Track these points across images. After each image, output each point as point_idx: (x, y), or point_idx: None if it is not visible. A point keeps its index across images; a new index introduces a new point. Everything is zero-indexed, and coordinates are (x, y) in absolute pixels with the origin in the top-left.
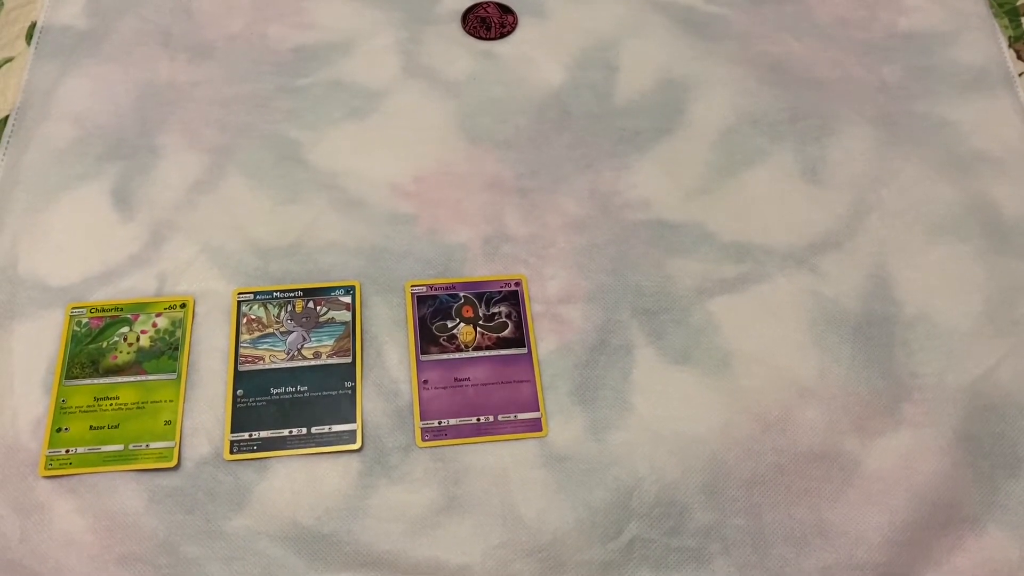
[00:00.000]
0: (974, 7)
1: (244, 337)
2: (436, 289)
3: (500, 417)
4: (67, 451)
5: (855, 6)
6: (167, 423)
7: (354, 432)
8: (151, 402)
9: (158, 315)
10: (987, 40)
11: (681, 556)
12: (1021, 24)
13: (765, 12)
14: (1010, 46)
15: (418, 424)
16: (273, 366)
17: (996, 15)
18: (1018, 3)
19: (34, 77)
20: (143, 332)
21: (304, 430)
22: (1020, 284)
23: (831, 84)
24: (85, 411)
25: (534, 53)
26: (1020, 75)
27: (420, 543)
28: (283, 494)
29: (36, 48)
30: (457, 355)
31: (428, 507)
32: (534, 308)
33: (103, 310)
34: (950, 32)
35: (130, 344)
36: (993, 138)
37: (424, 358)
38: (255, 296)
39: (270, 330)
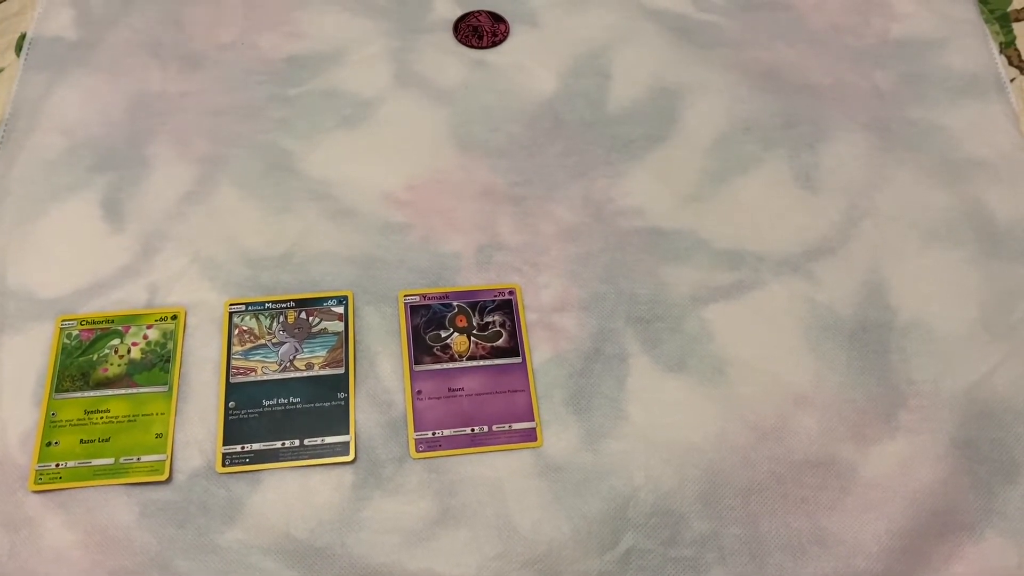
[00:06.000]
0: (966, 14)
1: (236, 348)
2: (429, 298)
3: (495, 427)
4: (57, 465)
5: (847, 13)
6: (158, 436)
7: (347, 444)
8: (142, 415)
9: (149, 327)
10: (979, 46)
11: (678, 566)
12: (1012, 30)
13: (757, 19)
14: (1001, 52)
15: (412, 435)
16: (265, 377)
17: (987, 21)
18: (1009, 9)
19: (24, 88)
20: (134, 344)
21: (297, 442)
22: (1015, 289)
23: (824, 90)
24: (75, 424)
25: (526, 61)
26: (1012, 80)
27: (415, 555)
28: (276, 507)
29: (26, 59)
30: (451, 365)
31: (423, 519)
32: (528, 317)
33: (94, 322)
34: (942, 38)
35: (121, 356)
36: (986, 143)
37: (417, 368)
38: (247, 307)
39: (262, 341)
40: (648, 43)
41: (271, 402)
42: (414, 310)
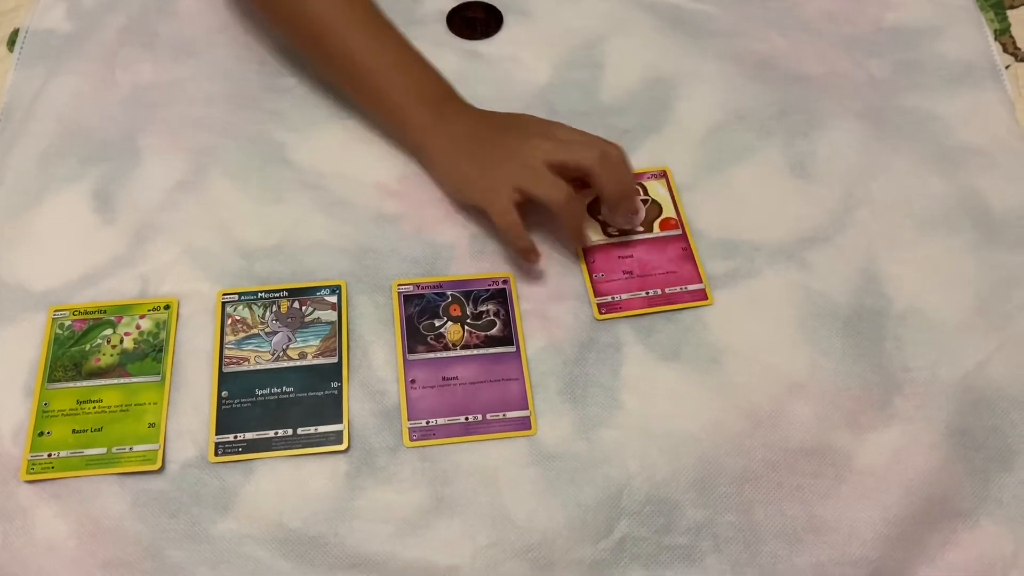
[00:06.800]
0: (960, 1)
1: (229, 338)
2: (423, 288)
3: (489, 416)
4: (49, 455)
5: (841, 1)
6: (151, 425)
7: (340, 433)
8: (135, 404)
9: (142, 317)
10: (973, 33)
11: (672, 554)
12: (1007, 17)
13: (751, 8)
14: (996, 39)
15: (405, 424)
16: (258, 367)
17: (982, 8)
18: None
19: (18, 79)
20: (127, 334)
21: (290, 431)
22: (1010, 277)
23: (818, 79)
24: (68, 414)
25: (520, 52)
26: (1007, 68)
27: (409, 544)
28: (269, 496)
29: (20, 51)
30: (444, 354)
31: (416, 508)
32: (522, 306)
33: (86, 312)
34: (937, 26)
35: (113, 346)
36: (981, 131)
37: (411, 357)
38: (240, 297)
39: (255, 331)
40: (641, 33)
41: (264, 391)
42: (408, 299)
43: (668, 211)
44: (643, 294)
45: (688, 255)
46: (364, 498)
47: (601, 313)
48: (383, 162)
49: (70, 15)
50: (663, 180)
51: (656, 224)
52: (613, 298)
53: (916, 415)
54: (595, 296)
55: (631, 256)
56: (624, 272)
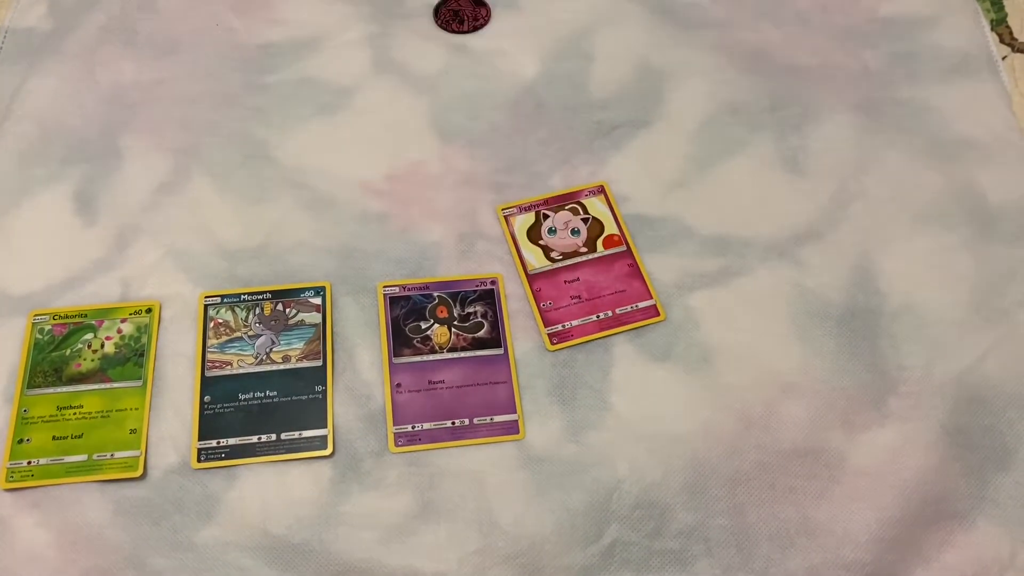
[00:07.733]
0: None
1: (211, 342)
2: (409, 289)
3: (476, 420)
4: (29, 463)
5: None
6: (132, 432)
7: (325, 437)
8: (116, 410)
9: (123, 321)
10: (970, 24)
11: (663, 559)
12: (1003, 7)
13: None
14: (993, 29)
15: (391, 429)
16: (241, 371)
17: None
18: None
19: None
20: (108, 338)
21: (274, 436)
22: (1006, 272)
23: (811, 71)
24: (48, 421)
25: (508, 46)
26: (1004, 59)
27: (394, 551)
28: (253, 503)
29: (1, 51)
30: (431, 357)
31: (402, 514)
32: (510, 306)
33: (66, 317)
34: (932, 16)
35: (94, 351)
36: (977, 123)
37: (397, 360)
38: (222, 299)
39: (238, 334)
40: (632, 25)
41: (247, 396)
42: (393, 301)
43: (610, 228)
44: (594, 318)
45: (635, 271)
46: (349, 504)
47: (553, 343)
48: (368, 160)
49: (51, 13)
50: (602, 196)
51: (599, 242)
52: (564, 326)
53: (911, 414)
54: (545, 326)
55: (577, 279)
56: (572, 297)
